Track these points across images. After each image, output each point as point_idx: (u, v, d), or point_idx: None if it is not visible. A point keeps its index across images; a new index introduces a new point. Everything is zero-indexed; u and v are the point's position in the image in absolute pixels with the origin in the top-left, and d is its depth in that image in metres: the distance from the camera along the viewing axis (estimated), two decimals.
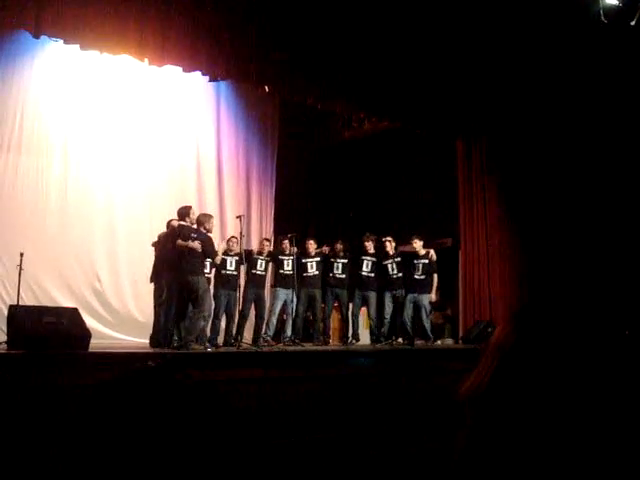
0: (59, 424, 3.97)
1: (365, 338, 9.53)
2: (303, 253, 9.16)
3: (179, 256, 7.42)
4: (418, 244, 9.32)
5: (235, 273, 8.48)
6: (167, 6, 7.53)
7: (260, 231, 10.97)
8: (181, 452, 0.88)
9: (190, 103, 10.45)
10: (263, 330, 8.79)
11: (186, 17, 7.65)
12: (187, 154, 10.41)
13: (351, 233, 9.95)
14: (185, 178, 10.31)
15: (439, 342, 9.93)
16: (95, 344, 6.38)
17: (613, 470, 0.87)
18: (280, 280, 9.13)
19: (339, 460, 5.03)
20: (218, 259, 8.18)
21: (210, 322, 8.14)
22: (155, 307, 7.93)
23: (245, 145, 11.17)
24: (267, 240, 9.27)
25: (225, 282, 8.36)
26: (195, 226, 7.74)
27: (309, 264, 9.12)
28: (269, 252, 9.04)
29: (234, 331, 8.49)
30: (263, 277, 8.92)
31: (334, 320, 10.06)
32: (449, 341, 10.44)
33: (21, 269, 7.54)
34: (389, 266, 9.36)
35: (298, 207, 11.67)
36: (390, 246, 9.38)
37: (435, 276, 9.25)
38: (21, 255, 7.55)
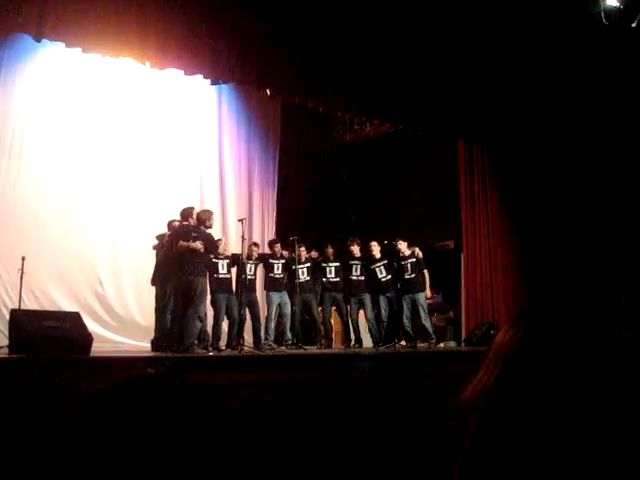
0: (60, 429, 3.96)
1: (367, 341, 9.53)
2: (294, 259, 9.18)
3: (181, 257, 7.41)
4: (403, 245, 9.32)
5: (228, 276, 8.50)
6: (168, 9, 7.54)
7: (262, 234, 10.97)
8: (181, 459, 0.87)
9: (192, 106, 10.46)
10: (263, 337, 8.79)
11: (187, 20, 7.66)
12: (189, 157, 10.42)
13: (352, 236, 9.92)
14: (187, 181, 10.31)
15: (442, 345, 9.92)
16: (97, 348, 6.37)
17: (618, 475, 0.86)
18: (271, 283, 9.14)
19: (341, 463, 5.01)
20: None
21: (211, 326, 8.13)
22: (157, 310, 7.93)
23: (247, 148, 11.18)
24: (255, 245, 9.23)
25: (220, 286, 8.36)
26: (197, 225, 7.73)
27: (300, 270, 9.14)
28: (258, 255, 9.06)
29: (235, 334, 8.49)
30: (253, 281, 8.92)
31: (336, 323, 10.06)
32: (452, 344, 10.42)
33: (23, 273, 7.54)
34: (377, 270, 9.39)
35: (300, 210, 11.67)
36: (376, 249, 9.41)
37: (425, 272, 9.26)
38: (23, 259, 7.56)
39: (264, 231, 11.13)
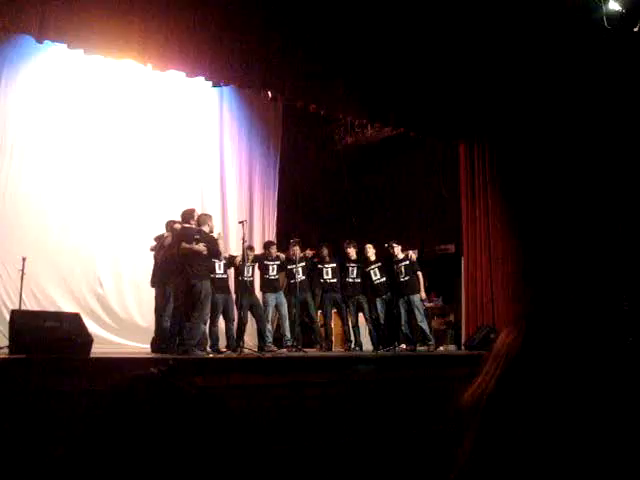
0: (60, 430, 3.96)
1: (367, 344, 9.52)
2: (289, 260, 9.18)
3: (183, 260, 7.39)
4: (397, 248, 9.36)
5: (225, 276, 8.51)
6: (170, 11, 7.54)
7: (262, 236, 10.98)
8: (182, 460, 0.87)
9: (193, 108, 10.47)
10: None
11: (189, 22, 7.66)
12: (190, 159, 10.43)
13: (348, 239, 9.91)
14: (188, 183, 10.32)
15: (442, 348, 9.91)
16: (97, 349, 6.36)
17: (618, 475, 0.86)
18: (266, 284, 9.15)
19: (340, 466, 5.01)
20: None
21: (208, 327, 8.13)
22: (156, 312, 7.92)
23: (248, 150, 11.19)
24: (251, 248, 9.19)
25: (218, 286, 8.34)
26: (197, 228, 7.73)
27: (296, 270, 9.14)
28: (254, 256, 9.08)
29: (235, 335, 8.48)
30: (252, 282, 8.94)
31: (336, 326, 10.06)
32: (452, 347, 10.42)
33: (23, 274, 7.54)
34: (372, 272, 9.43)
35: (300, 212, 11.67)
36: (371, 252, 9.44)
37: (419, 274, 9.28)
38: (23, 260, 7.56)
39: (264, 233, 11.14)
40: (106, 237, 9.42)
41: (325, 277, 9.44)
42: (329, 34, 8.64)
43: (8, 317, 6.86)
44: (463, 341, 10.20)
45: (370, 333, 9.43)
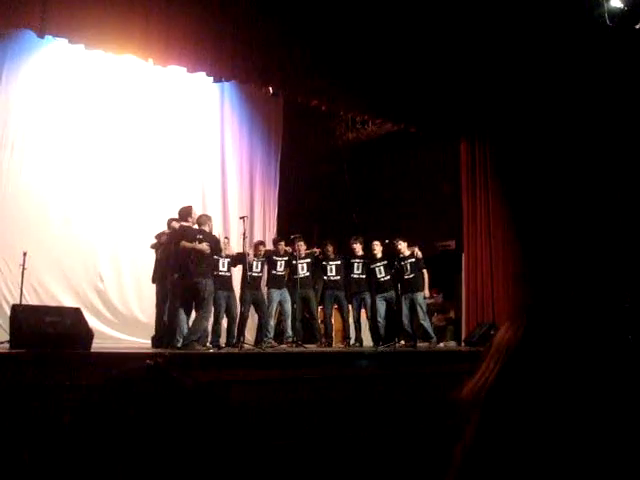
0: (60, 424, 3.97)
1: (368, 340, 9.53)
2: (294, 255, 9.19)
3: (185, 258, 7.40)
4: (402, 245, 9.33)
5: (228, 274, 8.51)
6: (172, 6, 7.53)
7: (263, 232, 10.98)
8: (179, 452, 0.87)
9: (194, 104, 10.46)
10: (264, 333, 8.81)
11: (191, 17, 7.65)
12: (191, 155, 10.42)
13: (355, 235, 9.91)
14: (189, 178, 10.31)
15: (442, 344, 9.92)
16: (97, 344, 6.37)
17: (620, 471, 0.86)
18: (272, 281, 9.15)
19: (341, 462, 5.01)
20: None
21: (211, 324, 8.15)
22: (157, 307, 7.93)
23: (249, 146, 11.19)
24: (262, 244, 9.25)
25: (221, 284, 8.35)
26: (197, 227, 7.74)
27: (300, 265, 9.14)
28: (265, 252, 9.09)
29: (236, 332, 8.50)
30: (259, 279, 8.95)
31: (336, 322, 10.06)
32: (452, 343, 10.42)
33: (24, 268, 7.55)
34: (377, 269, 9.40)
35: (301, 208, 11.67)
36: (378, 249, 9.42)
37: (424, 272, 9.26)
38: (24, 254, 7.56)
39: (265, 229, 11.14)
40: (107, 232, 9.42)
41: (329, 274, 9.41)
42: (331, 29, 8.63)
43: (9, 312, 6.87)
44: (463, 337, 10.21)
45: (372, 329, 9.43)
